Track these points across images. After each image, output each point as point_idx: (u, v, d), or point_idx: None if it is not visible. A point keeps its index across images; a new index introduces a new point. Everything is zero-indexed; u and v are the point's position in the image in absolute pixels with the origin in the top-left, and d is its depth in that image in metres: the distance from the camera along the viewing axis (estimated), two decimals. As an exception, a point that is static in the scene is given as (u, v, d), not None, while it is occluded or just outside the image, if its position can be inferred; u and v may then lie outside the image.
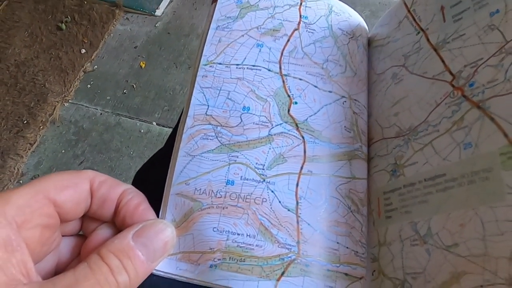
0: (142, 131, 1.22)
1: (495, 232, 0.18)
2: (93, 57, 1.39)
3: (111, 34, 1.45)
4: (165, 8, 1.49)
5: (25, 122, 1.24)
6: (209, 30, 0.29)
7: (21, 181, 1.16)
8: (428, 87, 0.24)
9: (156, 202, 0.24)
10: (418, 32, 0.27)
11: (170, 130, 1.20)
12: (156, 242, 0.20)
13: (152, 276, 0.21)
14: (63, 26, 1.44)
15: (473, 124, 0.20)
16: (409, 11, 0.29)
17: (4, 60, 1.36)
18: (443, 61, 0.24)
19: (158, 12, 1.47)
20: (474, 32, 0.22)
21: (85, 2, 1.49)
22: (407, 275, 0.21)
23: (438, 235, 0.20)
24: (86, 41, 1.42)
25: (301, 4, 0.30)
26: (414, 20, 0.28)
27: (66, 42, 1.41)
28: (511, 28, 0.20)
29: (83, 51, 1.39)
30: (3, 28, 1.44)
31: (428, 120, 0.23)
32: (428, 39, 0.26)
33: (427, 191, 0.22)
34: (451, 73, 0.23)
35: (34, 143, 1.22)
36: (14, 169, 1.17)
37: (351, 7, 0.33)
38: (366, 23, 0.33)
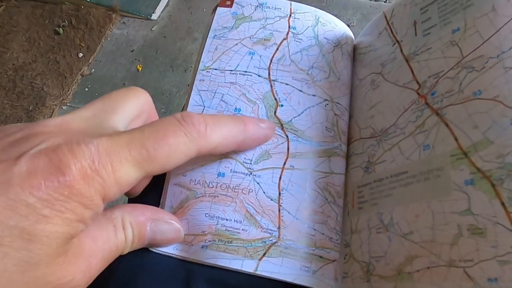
0: (139, 133, 1.24)
1: (441, 222, 0.20)
2: (90, 60, 1.41)
3: (108, 38, 1.47)
4: (161, 12, 1.52)
5: (23, 124, 1.26)
6: (207, 39, 0.32)
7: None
8: (399, 94, 0.26)
9: (156, 186, 0.27)
10: (394, 43, 0.29)
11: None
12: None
13: (153, 253, 0.24)
14: (61, 31, 1.46)
15: (431, 128, 0.23)
16: (388, 23, 0.31)
17: (2, 64, 1.38)
18: (412, 71, 0.26)
19: (154, 16, 1.49)
20: (438, 47, 0.25)
21: (82, 7, 1.52)
22: (372, 258, 0.23)
23: (398, 224, 0.23)
24: (83, 45, 1.44)
25: (290, 15, 0.33)
26: (392, 32, 0.30)
27: (64, 46, 1.43)
28: (468, 45, 0.23)
29: (81, 55, 1.41)
30: (0, 32, 1.46)
31: (397, 123, 0.26)
32: (401, 50, 0.28)
33: (392, 186, 0.24)
34: (417, 82, 0.25)
35: (32, 145, 1.23)
36: (12, 170, 1.18)
37: (343, 10, 0.35)
38: (358, 26, 0.36)
